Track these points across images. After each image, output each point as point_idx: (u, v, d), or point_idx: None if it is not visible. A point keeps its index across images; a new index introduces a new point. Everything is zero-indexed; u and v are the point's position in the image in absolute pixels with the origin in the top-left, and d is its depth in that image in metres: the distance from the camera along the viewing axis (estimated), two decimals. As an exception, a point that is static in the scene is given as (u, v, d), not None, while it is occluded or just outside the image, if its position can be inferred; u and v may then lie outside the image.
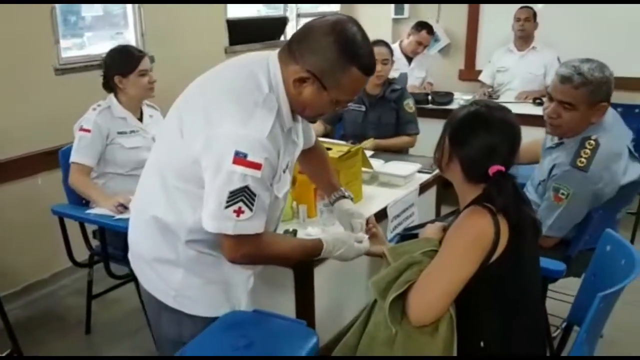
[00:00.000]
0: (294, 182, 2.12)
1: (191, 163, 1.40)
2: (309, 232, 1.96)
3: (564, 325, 2.08)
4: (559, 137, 2.24)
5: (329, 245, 1.61)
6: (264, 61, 1.45)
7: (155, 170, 1.53)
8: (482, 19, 5.29)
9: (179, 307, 1.57)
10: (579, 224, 2.21)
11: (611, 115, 2.18)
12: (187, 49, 3.93)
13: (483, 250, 1.40)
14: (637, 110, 3.55)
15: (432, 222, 1.77)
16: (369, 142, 2.78)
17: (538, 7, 4.62)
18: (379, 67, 3.11)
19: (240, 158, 1.33)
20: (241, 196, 1.35)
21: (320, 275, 1.91)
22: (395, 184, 2.41)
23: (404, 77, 3.51)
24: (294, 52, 1.41)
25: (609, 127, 2.15)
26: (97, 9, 3.67)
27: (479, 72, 4.94)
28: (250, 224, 1.39)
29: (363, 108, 3.28)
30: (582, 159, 2.05)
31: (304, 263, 1.81)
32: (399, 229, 2.26)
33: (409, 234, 1.75)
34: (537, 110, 3.99)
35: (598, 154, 2.06)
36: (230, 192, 1.35)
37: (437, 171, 2.58)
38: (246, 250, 1.43)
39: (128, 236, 1.68)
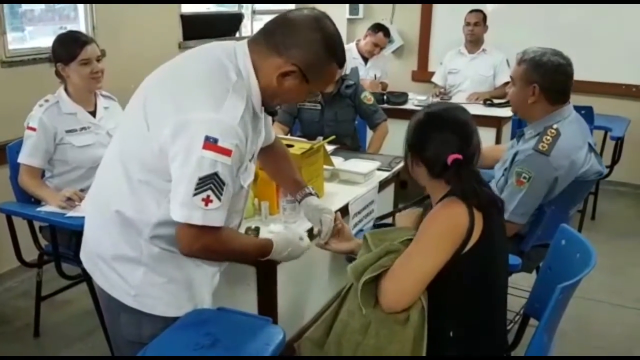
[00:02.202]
0: (255, 178, 2.10)
1: (158, 153, 1.37)
2: (272, 229, 1.95)
3: (517, 318, 2.16)
4: (516, 115, 2.42)
5: (278, 246, 1.60)
6: (230, 50, 1.45)
7: (117, 164, 1.48)
8: (434, 21, 5.40)
9: (139, 307, 1.52)
10: (533, 220, 2.29)
11: (573, 112, 2.30)
12: (140, 44, 3.84)
13: (457, 239, 1.44)
14: (583, 112, 3.68)
15: (398, 210, 1.80)
16: None
17: (488, 10, 4.75)
18: None
19: (210, 143, 1.30)
20: (210, 183, 1.33)
21: (284, 272, 1.90)
22: (355, 181, 2.43)
23: (355, 71, 3.53)
24: (278, 45, 1.40)
25: (570, 120, 2.26)
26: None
27: (432, 73, 5.04)
28: (218, 215, 1.37)
29: (319, 107, 3.28)
30: (544, 144, 2.15)
31: (267, 260, 1.80)
32: (360, 226, 2.27)
33: (380, 223, 1.78)
34: (488, 111, 4.13)
35: (559, 142, 2.16)
36: (200, 179, 1.32)
37: (395, 169, 2.63)
38: (206, 242, 1.39)
39: (83, 234, 1.62)
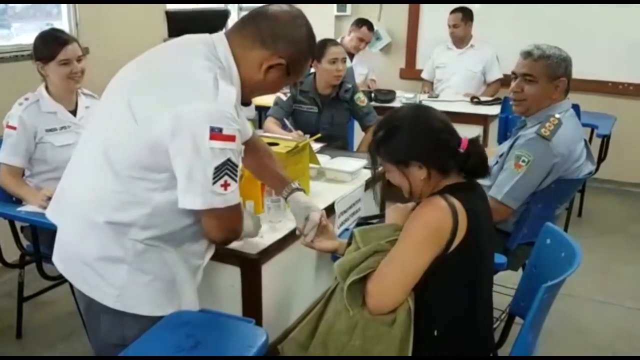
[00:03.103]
0: (240, 177, 2.07)
1: (151, 149, 1.36)
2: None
3: (503, 316, 2.15)
4: (523, 114, 2.32)
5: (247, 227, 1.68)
6: (208, 42, 1.47)
7: (99, 162, 1.44)
8: (422, 19, 5.39)
9: (122, 307, 1.49)
10: (519, 218, 2.29)
11: (571, 108, 2.30)
12: (125, 41, 3.78)
13: (441, 240, 1.43)
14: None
15: (381, 216, 1.78)
16: None
17: (475, 7, 4.75)
18: (339, 66, 3.13)
19: (216, 133, 1.32)
20: (225, 169, 1.36)
21: (269, 272, 1.88)
22: (341, 179, 2.41)
23: (350, 71, 3.52)
24: (265, 38, 1.44)
25: (570, 114, 2.27)
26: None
27: (420, 71, 5.04)
28: (235, 194, 1.42)
29: (315, 109, 3.26)
30: (546, 130, 2.15)
31: (251, 261, 1.78)
32: (346, 225, 2.26)
33: (365, 222, 1.76)
34: (474, 109, 4.13)
35: (560, 130, 2.16)
36: (216, 168, 1.35)
37: (382, 167, 2.61)
38: (231, 224, 1.47)
39: (58, 237, 1.58)
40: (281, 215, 1.99)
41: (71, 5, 3.55)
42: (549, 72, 2.18)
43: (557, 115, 2.20)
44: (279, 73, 1.48)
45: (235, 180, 1.39)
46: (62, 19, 3.58)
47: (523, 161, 2.15)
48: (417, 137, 1.52)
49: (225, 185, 1.37)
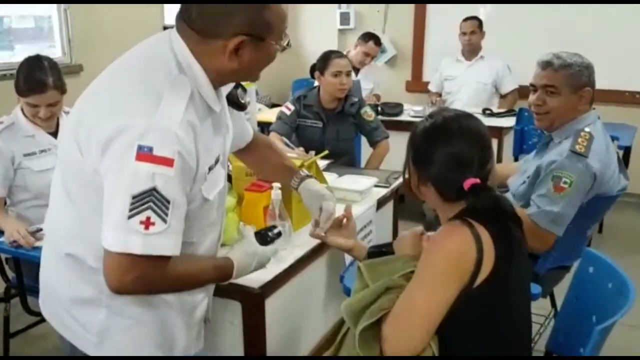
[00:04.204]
0: (239, 200, 1.89)
1: (93, 174, 1.16)
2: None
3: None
4: (547, 129, 2.13)
5: (239, 262, 1.37)
6: (165, 42, 1.23)
7: (61, 195, 1.27)
8: (428, 30, 5.23)
9: (104, 354, 1.30)
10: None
11: (598, 120, 2.11)
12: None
13: (464, 271, 1.23)
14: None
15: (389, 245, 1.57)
16: None
17: (483, 17, 4.58)
18: (344, 79, 2.96)
19: (144, 153, 1.09)
20: (149, 201, 1.10)
21: (273, 305, 1.69)
22: (351, 199, 2.21)
23: (357, 84, 3.34)
24: (208, 27, 1.18)
25: (599, 126, 2.08)
26: (29, 21, 3.32)
27: (427, 83, 4.88)
28: (164, 241, 1.13)
29: (320, 124, 3.08)
30: (581, 146, 1.95)
31: (253, 295, 1.58)
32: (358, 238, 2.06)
33: (378, 251, 1.56)
34: (488, 121, 3.91)
35: (595, 145, 1.97)
36: (134, 197, 1.10)
37: (394, 185, 2.42)
38: (143, 273, 1.14)
39: (39, 274, 1.40)
40: (286, 242, 1.79)
41: (63, 19, 3.39)
42: (572, 82, 2.01)
43: (587, 129, 2.01)
44: (249, 48, 1.20)
45: (164, 220, 1.11)
46: (54, 36, 3.42)
47: (565, 182, 1.93)
48: (436, 152, 1.33)
49: (147, 223, 1.10)
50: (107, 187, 1.13)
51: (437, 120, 1.37)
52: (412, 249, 1.41)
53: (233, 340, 1.69)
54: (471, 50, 4.54)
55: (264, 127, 3.42)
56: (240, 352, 1.69)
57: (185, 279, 1.28)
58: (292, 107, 3.08)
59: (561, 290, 2.37)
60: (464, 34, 4.49)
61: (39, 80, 2.17)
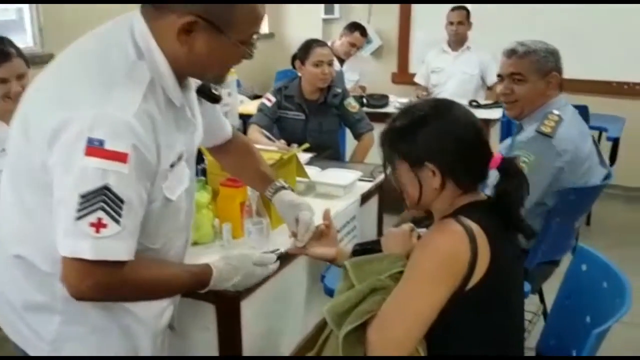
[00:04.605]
0: (215, 195, 1.79)
1: (41, 170, 1.06)
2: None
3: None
4: (517, 118, 2.10)
5: (220, 273, 1.28)
6: (125, 24, 1.12)
7: (10, 193, 1.16)
8: (414, 20, 5.13)
9: None
10: (537, 235, 2.01)
11: (569, 105, 2.08)
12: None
13: (456, 273, 1.14)
14: (577, 111, 3.44)
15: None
16: None
17: (470, 7, 4.50)
18: (326, 69, 2.85)
19: (94, 147, 0.99)
20: (99, 201, 1.00)
21: (249, 308, 1.58)
22: (334, 194, 2.12)
23: (340, 74, 3.24)
24: None
25: (570, 109, 2.06)
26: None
27: (413, 75, 4.79)
28: (117, 244, 1.04)
29: (302, 116, 2.97)
30: (547, 126, 1.92)
31: (228, 299, 1.48)
32: (341, 246, 1.96)
33: (363, 249, 1.46)
34: (474, 113, 3.85)
35: (563, 127, 1.94)
36: (83, 196, 1.00)
37: (379, 179, 2.33)
38: (101, 279, 1.05)
39: None
40: (264, 240, 1.70)
41: (34, 11, 3.24)
42: (538, 68, 1.99)
43: (555, 112, 1.99)
44: (203, 36, 1.08)
45: (118, 222, 1.02)
46: (24, 24, 3.27)
47: (523, 162, 1.86)
48: (443, 136, 1.22)
49: (98, 225, 1.00)
50: (56, 185, 1.03)
51: (415, 110, 1.27)
52: (401, 247, 1.32)
53: (207, 346, 1.59)
54: (457, 41, 4.46)
55: (245, 119, 3.31)
56: (214, 352, 1.59)
57: (153, 286, 1.19)
58: (273, 99, 2.97)
59: (550, 286, 2.32)
60: (451, 23, 4.40)
61: (1, 51, 2.04)
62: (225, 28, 1.08)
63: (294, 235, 1.49)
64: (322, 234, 1.51)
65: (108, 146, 1.00)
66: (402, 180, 1.27)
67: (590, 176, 2.04)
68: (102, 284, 1.05)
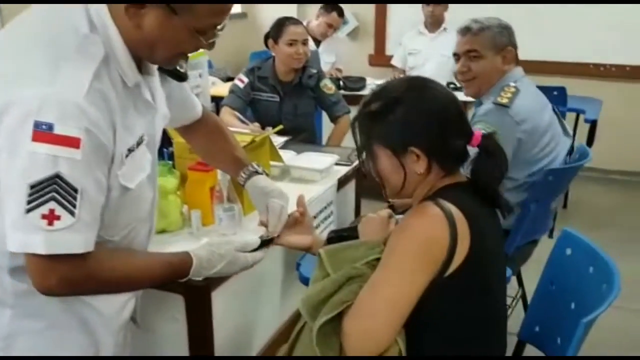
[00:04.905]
0: (183, 180, 1.69)
1: None
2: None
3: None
4: (475, 96, 2.11)
5: (201, 261, 1.19)
6: None
7: None
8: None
9: None
10: (516, 219, 1.98)
11: (527, 78, 2.06)
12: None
13: (435, 258, 1.08)
14: (555, 93, 3.42)
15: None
16: None
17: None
18: (300, 48, 2.73)
19: (42, 131, 0.90)
20: (51, 191, 0.93)
21: (222, 297, 1.51)
22: (310, 179, 2.04)
23: (315, 55, 3.13)
24: None
25: (527, 81, 2.04)
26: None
27: (390, 57, 4.71)
28: (72, 237, 0.96)
29: (277, 98, 2.86)
30: (503, 97, 1.92)
31: (198, 289, 1.40)
32: (317, 232, 1.89)
33: (339, 236, 1.39)
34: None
35: (520, 97, 1.93)
36: (32, 186, 0.92)
37: (356, 162, 2.25)
38: (65, 274, 0.98)
39: None
40: (236, 226, 1.62)
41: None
42: (493, 44, 1.99)
43: (512, 84, 1.98)
44: (155, 14, 0.99)
45: (72, 214, 0.94)
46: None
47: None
48: (424, 116, 1.16)
49: (51, 218, 0.93)
50: (2, 170, 0.94)
51: (389, 91, 1.20)
52: (379, 233, 1.25)
53: (176, 337, 1.51)
54: (434, 23, 4.40)
55: (218, 101, 3.20)
56: (184, 348, 1.51)
57: (125, 279, 1.11)
58: (246, 80, 2.86)
59: (526, 268, 2.29)
60: (427, 4, 4.33)
61: None
62: (181, 11, 0.99)
63: (264, 224, 1.39)
64: (296, 221, 1.42)
65: (58, 130, 0.91)
66: (382, 168, 1.19)
67: (555, 145, 2.03)
68: (67, 279, 0.99)
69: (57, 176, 0.92)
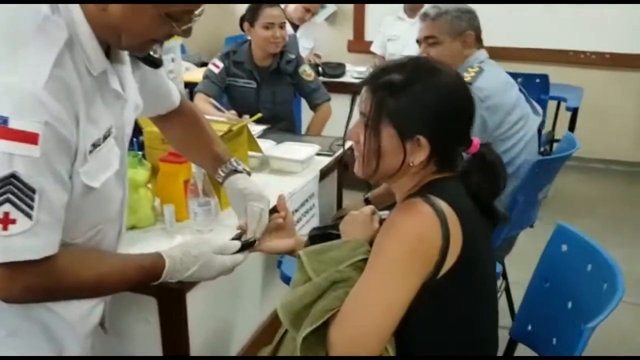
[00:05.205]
0: (154, 172, 1.58)
1: None
2: (180, 242, 1.45)
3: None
4: None
5: (174, 262, 1.09)
6: None
7: None
8: (370, -15, 4.95)
9: None
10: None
11: (490, 60, 2.05)
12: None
13: (427, 260, 1.00)
14: (537, 80, 3.37)
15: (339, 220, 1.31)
16: None
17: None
18: (277, 32, 2.60)
19: None
20: (6, 192, 0.85)
21: (196, 300, 1.41)
22: (290, 170, 1.95)
23: (293, 39, 3.01)
24: None
25: (491, 62, 2.03)
26: None
27: (369, 43, 4.60)
28: (31, 241, 0.88)
29: (254, 84, 2.73)
30: (467, 77, 1.90)
31: (171, 291, 1.30)
32: (299, 227, 1.80)
33: (321, 234, 1.30)
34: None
35: (484, 75, 1.91)
36: None
37: (338, 152, 2.17)
38: (27, 282, 0.91)
39: None
40: (212, 222, 1.52)
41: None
42: (451, 29, 1.98)
43: (475, 65, 1.97)
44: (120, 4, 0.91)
45: (30, 217, 0.86)
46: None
47: None
48: (442, 109, 1.07)
49: (6, 222, 0.85)
50: None
51: (428, 69, 1.09)
52: (362, 232, 1.16)
53: (149, 340, 1.41)
54: (413, 8, 4.29)
55: (192, 88, 3.07)
56: (158, 352, 1.42)
57: (95, 285, 1.02)
58: (221, 65, 2.72)
59: (510, 260, 2.25)
60: None
61: None
62: None
63: (242, 229, 1.29)
64: (278, 226, 1.32)
65: (13, 125, 0.83)
66: (382, 146, 1.07)
67: (525, 123, 2.01)
68: (30, 287, 0.92)
69: (13, 176, 0.84)
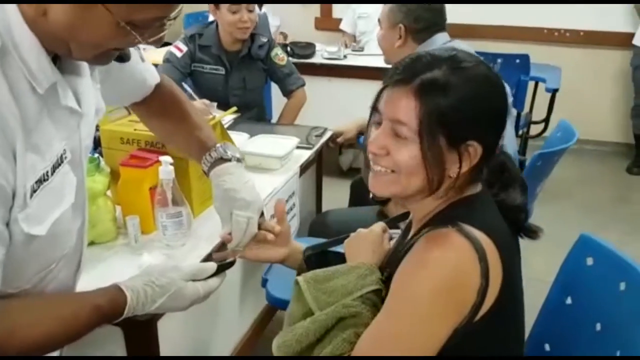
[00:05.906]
0: (114, 177, 1.36)
1: None
2: (145, 260, 1.25)
3: None
4: (387, 63, 2.06)
5: (138, 295, 0.89)
6: None
7: None
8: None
9: None
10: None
11: (452, 41, 1.94)
12: None
13: (463, 302, 0.83)
14: (517, 61, 3.24)
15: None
16: None
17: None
18: (245, 15, 2.35)
19: None
20: None
21: (169, 328, 1.22)
22: (268, 167, 1.75)
23: (264, 19, 2.76)
24: None
25: (458, 44, 1.90)
26: None
27: (338, 20, 4.40)
28: None
29: (222, 70, 2.49)
30: None
31: (138, 323, 1.10)
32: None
33: (317, 253, 1.11)
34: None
35: None
36: None
37: (318, 145, 1.98)
38: None
39: None
40: (183, 236, 1.31)
41: None
42: (388, 18, 1.96)
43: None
44: (63, 7, 0.71)
45: None
46: None
47: None
48: (494, 110, 0.92)
49: None
50: None
51: (478, 66, 0.91)
52: (372, 254, 1.00)
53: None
54: (383, -16, 4.11)
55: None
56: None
57: (44, 342, 0.81)
58: (184, 48, 2.46)
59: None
60: None
61: None
62: None
63: (225, 240, 1.10)
64: (266, 238, 1.13)
65: None
66: (437, 160, 0.87)
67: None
68: None
69: None
